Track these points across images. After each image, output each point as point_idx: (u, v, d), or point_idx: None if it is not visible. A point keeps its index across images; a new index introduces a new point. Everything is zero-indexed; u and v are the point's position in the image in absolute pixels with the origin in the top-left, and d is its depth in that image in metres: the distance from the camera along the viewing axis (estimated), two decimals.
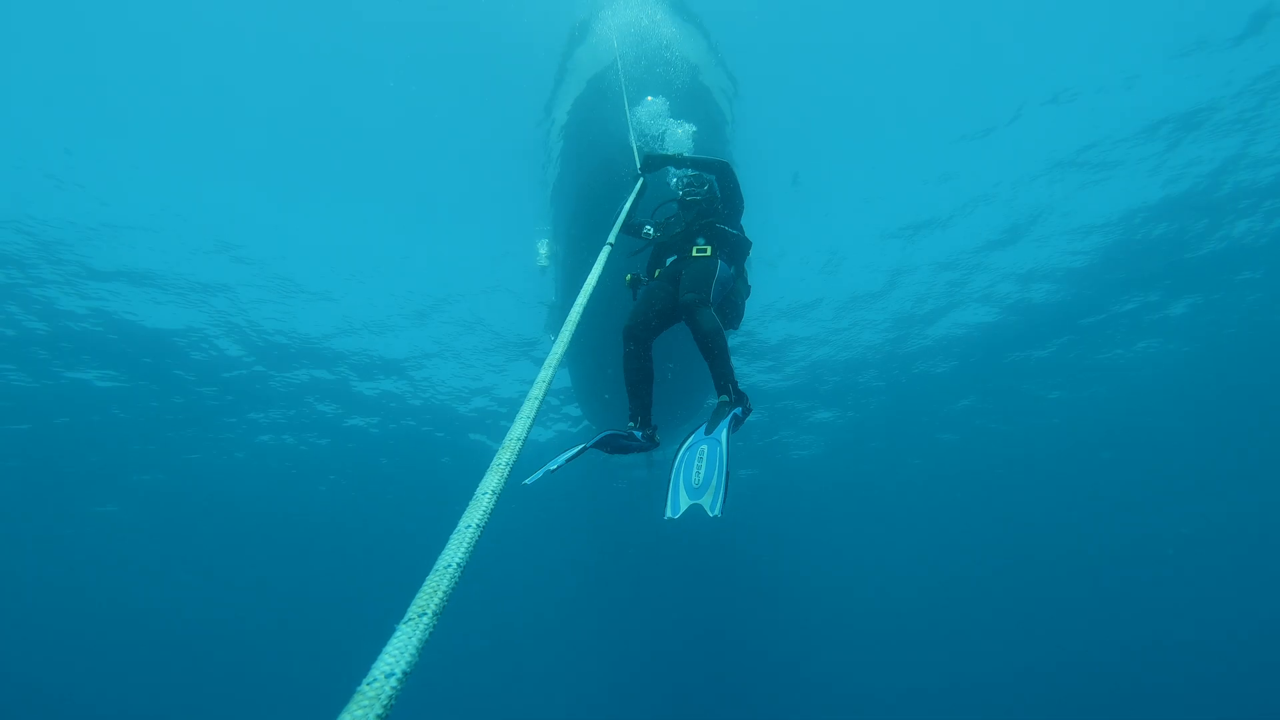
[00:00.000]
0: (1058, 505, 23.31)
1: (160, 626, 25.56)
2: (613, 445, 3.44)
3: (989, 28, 13.23)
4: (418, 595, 0.93)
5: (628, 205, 4.02)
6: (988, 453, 20.74)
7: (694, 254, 4.03)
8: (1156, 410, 18.56)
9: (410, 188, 15.85)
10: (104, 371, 15.33)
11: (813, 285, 15.58)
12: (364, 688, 0.78)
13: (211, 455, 18.46)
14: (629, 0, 8.48)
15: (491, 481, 1.19)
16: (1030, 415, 19.11)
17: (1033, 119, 12.95)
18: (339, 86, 14.78)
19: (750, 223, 4.60)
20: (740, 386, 3.54)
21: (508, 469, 1.23)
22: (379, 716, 0.74)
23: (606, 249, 3.07)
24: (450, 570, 0.97)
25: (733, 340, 13.51)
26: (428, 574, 0.98)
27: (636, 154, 4.69)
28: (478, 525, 1.07)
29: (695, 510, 2.79)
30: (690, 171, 4.47)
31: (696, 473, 2.88)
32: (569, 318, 2.03)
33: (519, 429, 1.39)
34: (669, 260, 4.18)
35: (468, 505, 1.12)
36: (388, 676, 0.80)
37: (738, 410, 3.30)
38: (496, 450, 1.31)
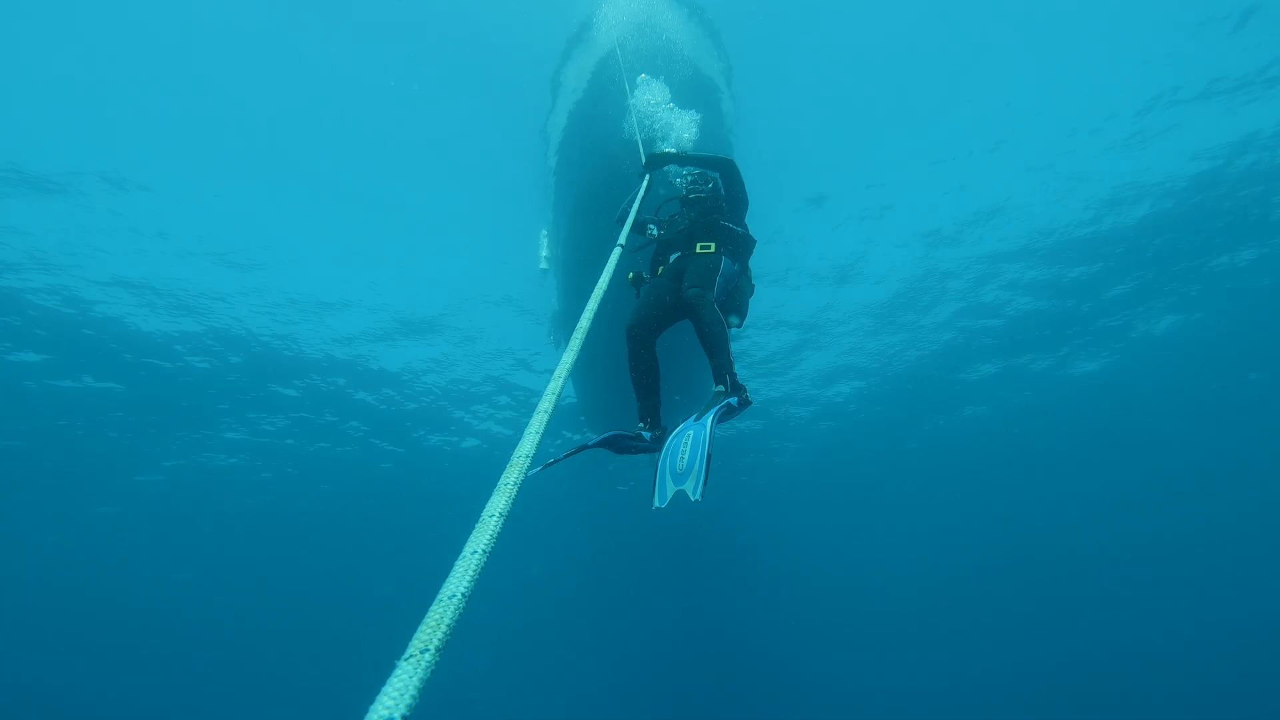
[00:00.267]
0: (1056, 505, 23.20)
1: (161, 628, 25.51)
2: (619, 445, 3.41)
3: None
4: (420, 629, 0.86)
5: (635, 204, 3.97)
6: (987, 453, 20.66)
7: (698, 251, 4.00)
8: (1156, 410, 18.49)
9: (409, 190, 15.84)
10: (104, 376, 15.31)
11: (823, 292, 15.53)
12: None
13: (212, 459, 18.43)
14: None
15: (499, 503, 1.11)
16: (1029, 416, 19.03)
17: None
18: (338, 86, 14.80)
19: (754, 221, 4.54)
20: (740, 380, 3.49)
21: (515, 489, 1.15)
22: None
23: (617, 251, 2.98)
24: (455, 601, 0.90)
25: (736, 347, 13.43)
26: (430, 605, 0.90)
27: (642, 152, 4.63)
28: (484, 551, 1.00)
29: (693, 505, 2.76)
30: (694, 169, 4.43)
31: (680, 458, 2.87)
32: (579, 325, 1.94)
33: (527, 445, 1.31)
34: (672, 257, 4.15)
35: (473, 529, 1.05)
36: None
37: (732, 400, 3.27)
38: (504, 468, 1.22)
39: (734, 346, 3.75)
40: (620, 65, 7.61)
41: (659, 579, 27.73)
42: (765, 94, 13.25)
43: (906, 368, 17.42)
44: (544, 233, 11.55)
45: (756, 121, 12.31)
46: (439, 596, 0.91)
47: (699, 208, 4.25)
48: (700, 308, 3.56)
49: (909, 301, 15.60)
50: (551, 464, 3.06)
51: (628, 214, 3.83)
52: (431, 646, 0.83)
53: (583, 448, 3.18)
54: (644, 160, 4.40)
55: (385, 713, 0.74)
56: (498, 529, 1.07)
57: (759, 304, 10.33)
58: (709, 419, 3.01)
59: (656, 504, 2.78)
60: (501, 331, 16.19)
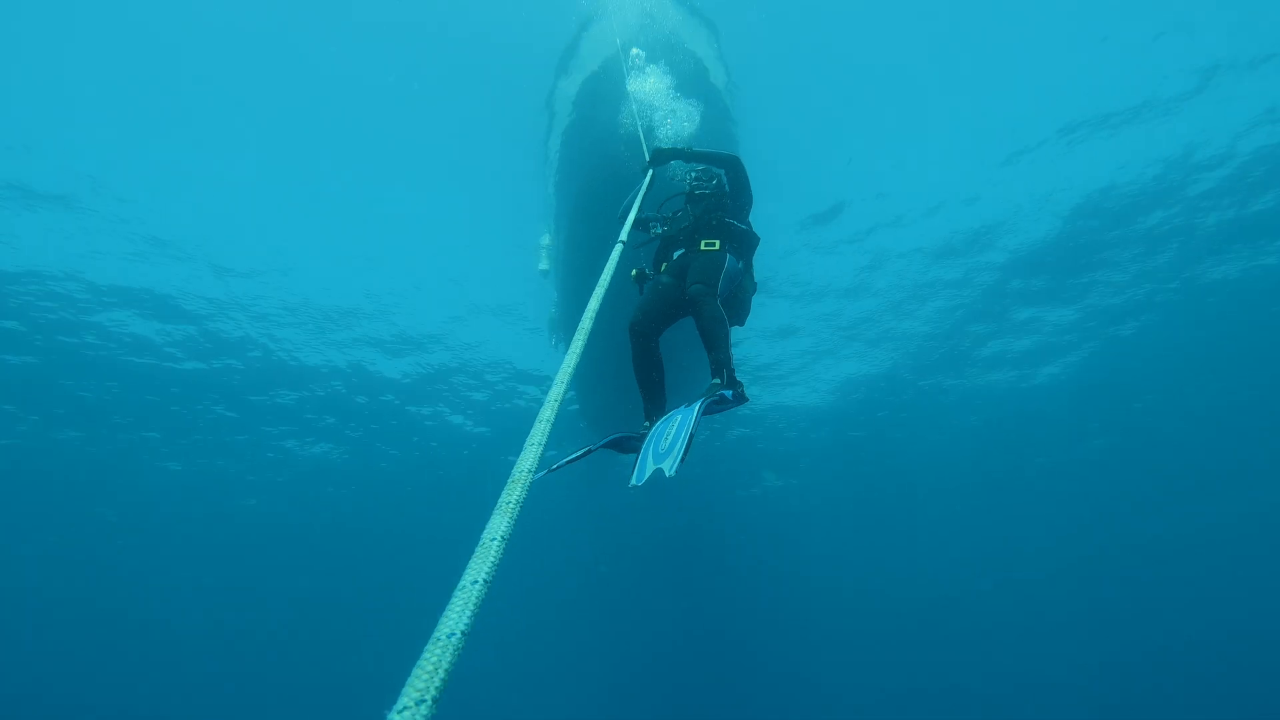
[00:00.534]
0: (1057, 507, 23.16)
1: (163, 631, 25.43)
2: (624, 446, 3.38)
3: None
4: (413, 676, 0.75)
5: (637, 201, 3.89)
6: (989, 453, 20.61)
7: (702, 248, 3.94)
8: (1156, 411, 18.46)
9: (409, 191, 15.70)
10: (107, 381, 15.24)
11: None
12: None
13: (211, 462, 18.37)
14: None
15: (500, 525, 1.00)
16: (1030, 416, 18.99)
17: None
18: (337, 86, 14.64)
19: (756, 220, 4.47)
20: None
21: (518, 508, 1.04)
22: None
23: (618, 248, 2.89)
24: (454, 641, 0.80)
25: (738, 353, 13.41)
26: (425, 645, 0.81)
27: (645, 148, 4.54)
28: (485, 580, 0.89)
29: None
30: (699, 165, 4.36)
31: (665, 439, 2.86)
32: (581, 326, 1.83)
33: (529, 458, 1.19)
34: (676, 254, 4.09)
35: (472, 555, 0.94)
36: None
37: (726, 392, 3.26)
38: (504, 485, 1.11)
39: (735, 352, 3.68)
40: (622, 60, 7.52)
41: (659, 581, 27.67)
42: (764, 93, 13.16)
43: (907, 371, 17.40)
44: (545, 238, 11.46)
45: (756, 121, 12.22)
46: (435, 635, 0.82)
47: (703, 204, 4.18)
48: (703, 305, 3.53)
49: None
50: (556, 468, 3.00)
51: (629, 210, 3.74)
52: (429, 697, 0.73)
53: (589, 451, 3.11)
54: (648, 156, 4.32)
55: None
56: (499, 554, 0.97)
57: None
58: (697, 404, 3.00)
59: (634, 482, 2.76)
60: (499, 335, 16.09)
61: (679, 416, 2.99)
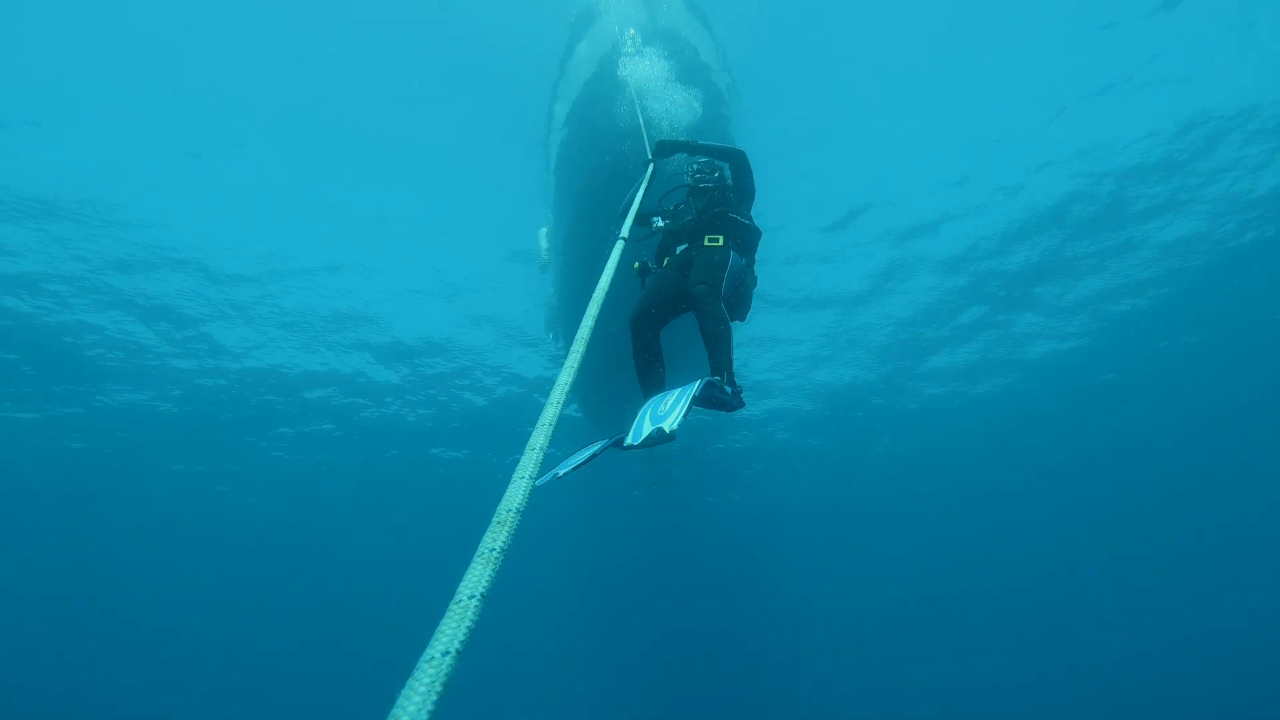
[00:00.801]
0: (1055, 508, 23.11)
1: (161, 631, 25.39)
2: (624, 443, 3.30)
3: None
4: (404, 698, 0.70)
5: (639, 195, 3.83)
6: (987, 456, 20.57)
7: (706, 243, 3.91)
8: (1154, 411, 18.44)
9: (408, 192, 15.65)
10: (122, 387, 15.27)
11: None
12: None
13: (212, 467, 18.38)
14: None
15: (480, 580, 0.85)
16: (1028, 418, 18.95)
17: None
18: (336, 85, 14.59)
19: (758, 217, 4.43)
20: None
21: (500, 557, 0.88)
22: None
23: (620, 244, 2.83)
24: (448, 659, 0.74)
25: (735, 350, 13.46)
26: (416, 662, 0.75)
27: (646, 139, 4.49)
28: (456, 652, 0.76)
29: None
30: (700, 158, 4.31)
31: (664, 405, 2.88)
32: (579, 335, 1.75)
33: (529, 465, 1.12)
34: (679, 249, 4.06)
35: (443, 616, 0.81)
36: None
37: (728, 388, 3.24)
38: (486, 530, 0.95)
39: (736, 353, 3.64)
40: (620, 48, 7.49)
41: (660, 585, 27.61)
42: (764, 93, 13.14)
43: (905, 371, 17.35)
44: (543, 230, 11.36)
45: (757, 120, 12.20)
46: (429, 654, 0.76)
47: (706, 198, 4.14)
48: (706, 305, 3.49)
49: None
50: (561, 476, 2.95)
51: (631, 206, 3.69)
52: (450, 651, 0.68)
53: (594, 455, 3.06)
54: (652, 149, 4.27)
55: None
56: (475, 617, 0.85)
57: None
58: (698, 381, 3.01)
59: (629, 441, 2.74)
60: (499, 335, 16.04)
61: (678, 389, 3.01)
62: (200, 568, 22.66)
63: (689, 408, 2.70)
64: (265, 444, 17.93)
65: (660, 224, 4.23)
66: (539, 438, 1.25)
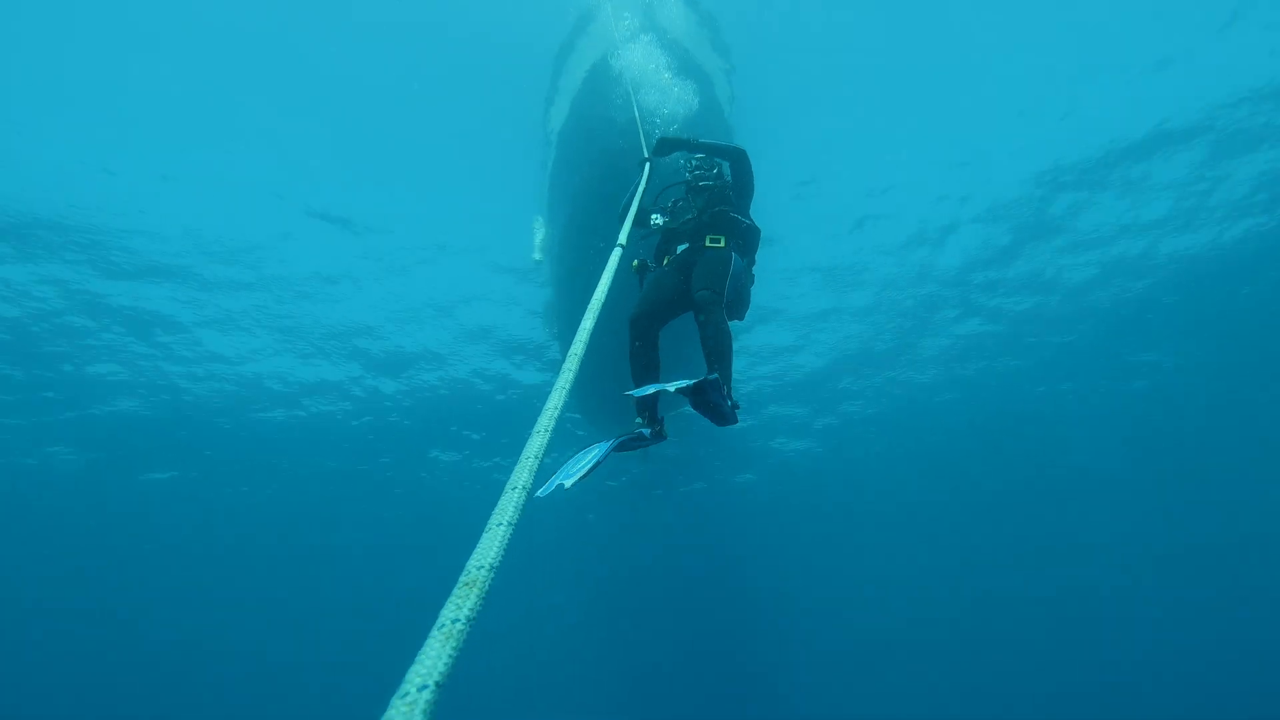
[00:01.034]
0: (1057, 510, 23.04)
1: (162, 632, 25.33)
2: (622, 447, 3.35)
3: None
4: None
5: (637, 196, 3.75)
6: (989, 457, 20.50)
7: (707, 244, 3.84)
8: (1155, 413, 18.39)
9: (408, 191, 15.57)
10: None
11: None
12: None
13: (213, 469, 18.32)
14: None
15: (489, 554, 0.87)
16: (1028, 420, 18.90)
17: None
18: (334, 83, 14.51)
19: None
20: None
21: (479, 603, 0.80)
22: None
23: (618, 251, 2.75)
24: (426, 693, 0.69)
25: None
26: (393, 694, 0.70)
27: (643, 138, 4.42)
28: (466, 619, 0.77)
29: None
30: (698, 155, 4.24)
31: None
32: (572, 351, 1.68)
33: (523, 475, 1.08)
34: (679, 248, 3.98)
35: (452, 590, 0.81)
36: None
37: (727, 399, 3.20)
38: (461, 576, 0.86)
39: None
40: (617, 42, 7.45)
41: (660, 586, 27.54)
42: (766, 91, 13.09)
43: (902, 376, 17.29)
44: (538, 225, 11.22)
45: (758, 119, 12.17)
46: (403, 690, 0.71)
47: (706, 196, 4.07)
48: (710, 316, 3.42)
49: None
50: (568, 486, 2.91)
51: (629, 210, 3.61)
52: (430, 682, 0.64)
53: (597, 464, 3.03)
54: (652, 144, 4.20)
55: None
56: (488, 582, 0.86)
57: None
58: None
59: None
60: (498, 335, 15.98)
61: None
62: (197, 574, 22.62)
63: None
64: (263, 453, 17.89)
65: (659, 222, 4.14)
66: (527, 469, 1.19)
